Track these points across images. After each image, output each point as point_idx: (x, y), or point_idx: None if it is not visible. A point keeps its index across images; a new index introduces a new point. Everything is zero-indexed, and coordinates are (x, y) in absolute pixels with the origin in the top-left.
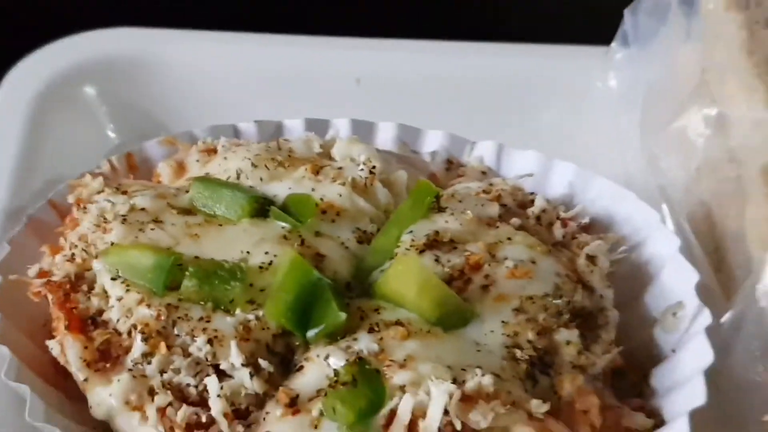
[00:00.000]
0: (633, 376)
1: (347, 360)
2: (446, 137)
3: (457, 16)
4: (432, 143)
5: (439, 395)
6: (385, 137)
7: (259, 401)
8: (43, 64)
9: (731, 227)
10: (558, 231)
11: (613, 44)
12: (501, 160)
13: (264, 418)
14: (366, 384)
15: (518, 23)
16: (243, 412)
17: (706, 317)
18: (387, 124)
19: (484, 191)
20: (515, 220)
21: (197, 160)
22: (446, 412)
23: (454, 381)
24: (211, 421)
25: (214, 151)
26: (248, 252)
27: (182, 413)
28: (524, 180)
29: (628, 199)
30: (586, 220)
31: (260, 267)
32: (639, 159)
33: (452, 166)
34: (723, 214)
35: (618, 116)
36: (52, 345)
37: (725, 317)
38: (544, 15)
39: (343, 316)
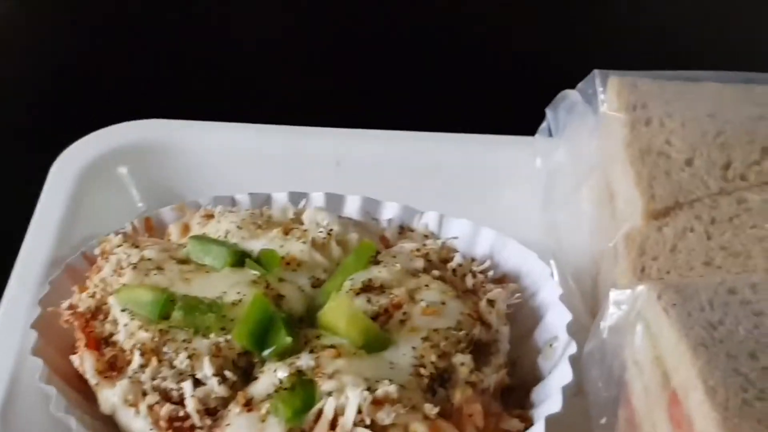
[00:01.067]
0: (519, 392)
1: (290, 372)
2: (401, 208)
3: (423, 110)
4: (389, 212)
5: (354, 398)
6: (352, 207)
7: (225, 402)
8: (88, 148)
9: (611, 281)
10: (469, 281)
11: (537, 135)
12: (442, 227)
13: (226, 415)
14: (302, 390)
15: (463, 115)
16: (212, 410)
17: (572, 348)
18: (354, 197)
19: (417, 249)
20: (435, 272)
21: (198, 223)
22: (361, 412)
23: (369, 389)
24: (187, 416)
25: (212, 216)
26: (225, 292)
27: (166, 409)
28: (458, 241)
29: (530, 257)
30: (492, 273)
31: (233, 303)
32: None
33: (403, 231)
34: (605, 270)
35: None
36: (74, 358)
37: (585, 348)
38: (487, 110)
39: (289, 340)
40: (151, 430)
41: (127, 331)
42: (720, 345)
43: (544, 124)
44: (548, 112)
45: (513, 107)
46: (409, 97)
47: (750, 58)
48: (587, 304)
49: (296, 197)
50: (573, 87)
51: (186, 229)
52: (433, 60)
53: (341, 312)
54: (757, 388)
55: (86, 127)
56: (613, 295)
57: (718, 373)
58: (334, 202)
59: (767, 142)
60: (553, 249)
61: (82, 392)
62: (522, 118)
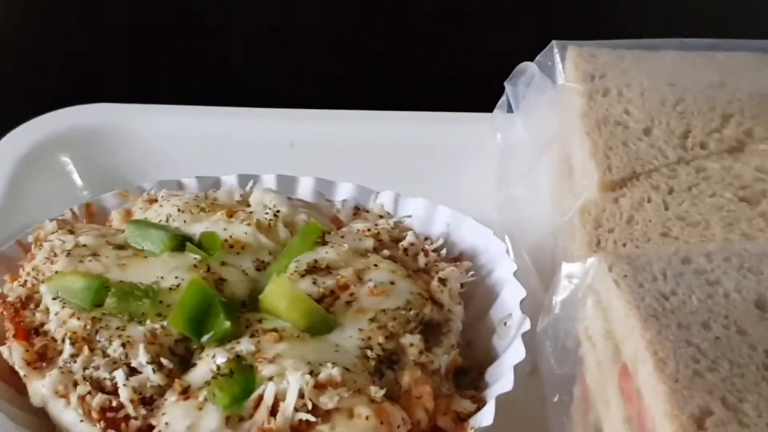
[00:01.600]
0: (474, 373)
1: (228, 357)
2: (355, 188)
3: (380, 88)
4: (344, 193)
5: (294, 382)
6: (305, 188)
7: (162, 391)
8: (29, 134)
9: (567, 256)
10: (421, 260)
11: (496, 110)
12: (398, 206)
13: (162, 404)
14: (241, 375)
15: (428, 95)
16: (148, 399)
17: (526, 325)
18: (307, 178)
19: (368, 229)
20: (386, 252)
21: (140, 208)
22: (303, 397)
23: (311, 373)
24: (121, 406)
25: (156, 200)
26: (163, 277)
27: (98, 399)
28: (413, 221)
29: (486, 235)
30: (446, 251)
31: (170, 288)
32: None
33: (358, 212)
34: (562, 245)
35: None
36: (3, 349)
37: (538, 324)
38: (445, 86)
39: (228, 324)
40: (82, 421)
41: (59, 319)
42: (671, 316)
43: (503, 99)
44: (507, 86)
45: (471, 83)
46: (364, 75)
47: (713, 25)
48: (546, 280)
49: (246, 180)
50: (532, 60)
51: (128, 214)
52: (388, 37)
53: (282, 294)
54: (709, 358)
55: (31, 113)
56: (565, 268)
57: (669, 344)
58: (286, 183)
59: (728, 109)
60: (508, 225)
61: (14, 385)
62: (481, 93)
